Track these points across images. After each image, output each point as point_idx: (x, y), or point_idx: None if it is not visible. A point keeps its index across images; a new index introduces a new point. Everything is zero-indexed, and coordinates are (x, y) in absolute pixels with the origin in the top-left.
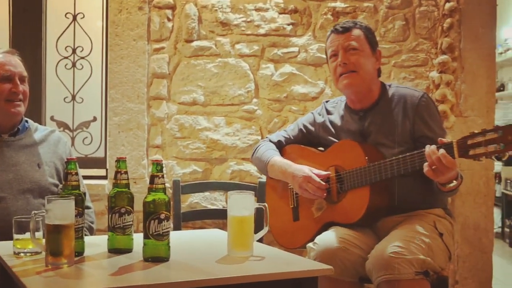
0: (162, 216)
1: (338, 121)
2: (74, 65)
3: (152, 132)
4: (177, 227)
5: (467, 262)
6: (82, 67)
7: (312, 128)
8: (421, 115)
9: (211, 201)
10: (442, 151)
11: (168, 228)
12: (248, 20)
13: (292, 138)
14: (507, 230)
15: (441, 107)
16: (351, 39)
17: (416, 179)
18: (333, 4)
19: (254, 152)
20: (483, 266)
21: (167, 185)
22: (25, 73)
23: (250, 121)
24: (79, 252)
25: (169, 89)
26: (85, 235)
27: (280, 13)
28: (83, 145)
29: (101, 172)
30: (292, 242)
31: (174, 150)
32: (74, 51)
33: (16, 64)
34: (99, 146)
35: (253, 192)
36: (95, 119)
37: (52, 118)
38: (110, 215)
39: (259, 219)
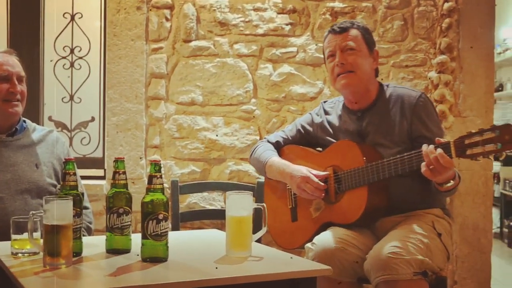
0: (160, 216)
1: (336, 122)
2: (72, 65)
3: (150, 132)
4: (175, 228)
5: (466, 262)
6: (80, 67)
7: (310, 129)
8: (418, 115)
9: (210, 201)
10: (439, 150)
11: (166, 228)
12: (247, 20)
13: (290, 138)
14: (505, 230)
15: (439, 107)
16: (348, 39)
17: (414, 179)
18: (331, 4)
19: (252, 153)
20: (481, 267)
21: (165, 185)
22: (23, 73)
23: (249, 121)
24: (77, 253)
25: (167, 89)
26: (83, 235)
27: (278, 13)
28: (81, 145)
29: (99, 172)
30: (290, 242)
31: (172, 150)
32: (72, 51)
33: (14, 64)
34: (97, 146)
35: (252, 193)
36: (93, 119)
37: (50, 118)
38: (108, 216)
39: (257, 220)
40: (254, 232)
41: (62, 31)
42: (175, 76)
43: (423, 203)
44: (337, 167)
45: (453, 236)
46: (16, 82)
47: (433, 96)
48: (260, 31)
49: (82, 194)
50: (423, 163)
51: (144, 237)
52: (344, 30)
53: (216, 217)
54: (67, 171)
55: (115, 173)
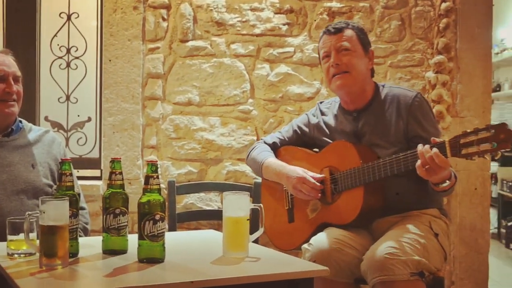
0: (157, 217)
1: (332, 122)
2: (68, 65)
3: (147, 133)
4: (172, 228)
5: (463, 263)
6: (77, 67)
7: (307, 129)
8: (414, 115)
9: (206, 202)
10: (435, 150)
11: (163, 229)
12: (244, 20)
13: (286, 139)
14: (503, 230)
15: (437, 108)
16: (343, 40)
17: (411, 180)
18: (328, 4)
19: (248, 154)
20: (479, 267)
21: (162, 185)
22: (19, 73)
23: (246, 122)
24: (74, 253)
25: (164, 89)
26: (80, 236)
27: (275, 13)
28: (78, 146)
29: (96, 172)
30: (287, 243)
31: (169, 151)
32: (68, 51)
33: (10, 64)
34: (94, 147)
35: (249, 193)
36: (89, 119)
37: (46, 119)
38: (104, 216)
39: (254, 220)
40: (251, 233)
41: (59, 31)
42: (172, 76)
43: (419, 203)
44: (334, 168)
45: (450, 237)
46: (12, 82)
47: (431, 96)
48: (257, 31)
49: (79, 194)
50: (418, 162)
51: (140, 237)
52: (339, 30)
53: (213, 218)
54: (64, 172)
55: (111, 173)
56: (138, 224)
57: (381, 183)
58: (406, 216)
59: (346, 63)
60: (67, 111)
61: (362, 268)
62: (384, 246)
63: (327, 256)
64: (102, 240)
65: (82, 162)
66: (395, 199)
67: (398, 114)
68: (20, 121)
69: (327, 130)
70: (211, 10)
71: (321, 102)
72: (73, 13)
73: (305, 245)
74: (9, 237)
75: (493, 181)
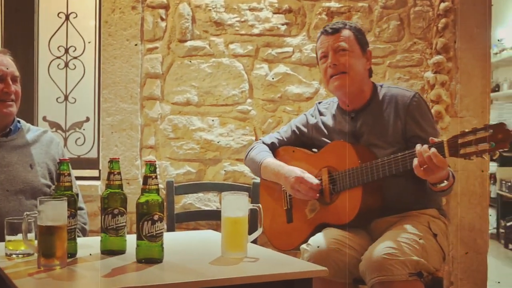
0: (156, 217)
1: (330, 122)
2: (66, 65)
3: (145, 133)
4: (170, 228)
5: (462, 263)
6: (75, 67)
7: (305, 130)
8: (412, 115)
9: (205, 202)
10: (433, 150)
11: (161, 229)
12: (242, 20)
13: (285, 139)
14: (502, 231)
15: (436, 108)
16: (341, 40)
17: (409, 180)
18: (327, 4)
19: (247, 154)
20: (478, 267)
21: (161, 186)
22: (17, 73)
23: (244, 122)
24: (72, 254)
25: (162, 89)
26: (78, 236)
27: (274, 13)
28: (76, 146)
29: (94, 173)
30: (286, 244)
31: (168, 151)
32: (66, 51)
33: (8, 64)
34: (92, 147)
35: (247, 193)
36: (88, 119)
37: (44, 119)
38: (103, 216)
39: (253, 220)
40: (250, 233)
41: (57, 31)
42: (170, 76)
43: (418, 204)
44: (332, 168)
45: (449, 237)
46: (11, 82)
47: (429, 96)
48: (255, 31)
49: (77, 194)
50: (415, 161)
51: (139, 238)
52: (336, 31)
53: (211, 218)
54: (62, 172)
55: (110, 173)
56: (137, 225)
57: (379, 183)
58: (405, 216)
59: (343, 63)
60: (66, 111)
61: (361, 268)
62: (382, 247)
63: (326, 256)
64: (101, 241)
65: (81, 162)
66: (394, 199)
67: (396, 114)
68: (19, 121)
69: (325, 131)
70: (210, 10)
71: (319, 103)
72: (71, 13)
73: (304, 245)
74: (7, 238)
75: (492, 181)
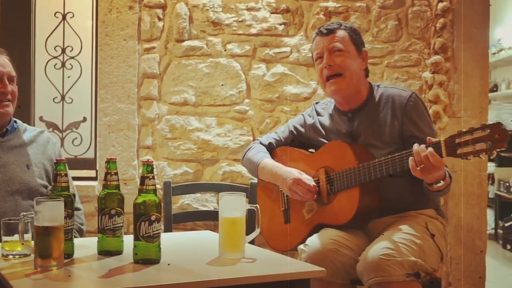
0: (153, 217)
1: (327, 123)
2: (63, 65)
3: (142, 133)
4: (168, 229)
5: (460, 263)
6: (72, 67)
7: (303, 130)
8: (409, 115)
9: (202, 203)
10: (430, 149)
11: (158, 229)
12: (240, 19)
13: (282, 140)
14: (500, 231)
15: (434, 108)
16: (336, 41)
17: (407, 180)
18: (325, 4)
19: (244, 155)
20: (476, 268)
21: (158, 186)
22: (13, 73)
23: (242, 122)
24: (69, 254)
25: (159, 89)
26: (75, 237)
27: (272, 13)
28: (73, 146)
29: (91, 173)
30: (283, 244)
31: (165, 151)
32: (63, 50)
33: (5, 64)
34: (89, 147)
35: (245, 194)
36: (84, 119)
37: (41, 119)
38: (100, 217)
39: (250, 221)
40: (247, 233)
41: (54, 30)
42: (167, 76)
43: (416, 204)
44: (329, 168)
45: (447, 237)
46: (7, 82)
47: (427, 96)
48: (253, 31)
49: (74, 195)
50: (411, 160)
51: (136, 238)
52: (331, 31)
53: (209, 219)
54: (59, 172)
55: (107, 174)
56: (134, 225)
57: (377, 184)
58: (402, 217)
59: (339, 64)
60: (62, 111)
61: (358, 269)
62: (379, 247)
63: (323, 257)
64: (98, 241)
65: (77, 163)
66: (392, 200)
67: (393, 114)
68: (15, 121)
69: (322, 131)
70: (207, 9)
71: (316, 103)
72: (68, 12)
73: (301, 246)
74: (4, 238)
75: (490, 182)
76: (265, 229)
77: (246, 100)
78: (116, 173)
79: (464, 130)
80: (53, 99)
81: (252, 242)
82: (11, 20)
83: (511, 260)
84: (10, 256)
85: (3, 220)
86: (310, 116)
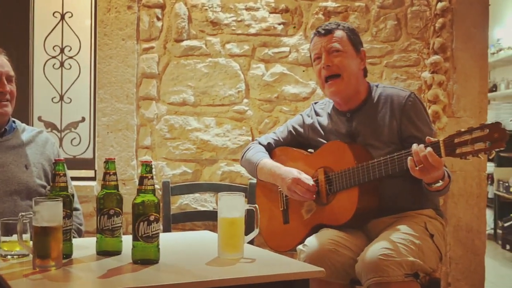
0: (152, 217)
1: (326, 123)
2: (62, 64)
3: (141, 133)
4: (166, 229)
5: (460, 264)
6: (70, 66)
7: (301, 130)
8: (408, 115)
9: (201, 203)
10: (429, 149)
11: (157, 230)
12: (239, 19)
13: (281, 140)
14: (499, 231)
15: (433, 108)
16: (334, 41)
17: (406, 180)
18: (324, 4)
19: (243, 155)
20: (475, 268)
21: (157, 186)
22: (12, 73)
23: (241, 122)
24: (67, 255)
25: (158, 89)
26: (73, 237)
27: (271, 13)
28: (71, 146)
29: (90, 173)
30: (282, 245)
31: (164, 151)
32: (62, 50)
33: (3, 64)
34: (88, 147)
35: (244, 194)
36: (83, 119)
37: (39, 119)
38: (98, 217)
39: (249, 221)
40: (246, 233)
41: (52, 30)
42: (166, 76)
43: (415, 204)
44: (328, 168)
45: (446, 237)
46: (5, 82)
47: (427, 96)
48: (252, 30)
49: (72, 195)
50: (410, 160)
51: (135, 238)
52: (329, 32)
53: (208, 219)
54: (57, 172)
55: (105, 174)
56: (133, 225)
57: (376, 184)
58: (402, 217)
59: (337, 64)
60: (61, 111)
61: (357, 269)
62: (378, 247)
63: (322, 257)
64: (96, 241)
65: (76, 163)
66: (391, 200)
67: (391, 114)
68: (14, 121)
69: (321, 131)
70: (206, 9)
71: (315, 103)
72: (66, 12)
73: (300, 246)
74: (2, 238)
75: (489, 182)
76: (264, 230)
77: (245, 100)
78: (114, 173)
79: (463, 129)
80: (52, 99)
81: (251, 242)
82: (10, 19)
83: (510, 260)
84: (9, 256)
85: (1, 220)
86: (309, 116)
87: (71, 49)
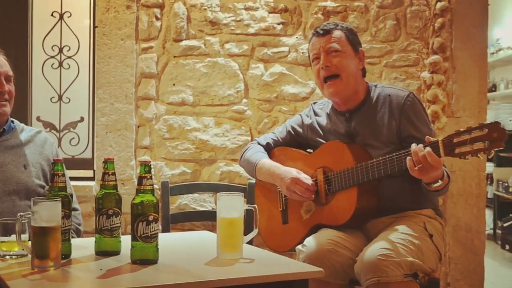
0: (151, 218)
1: (325, 123)
2: (61, 64)
3: (140, 133)
4: (165, 229)
5: (459, 264)
6: (69, 66)
7: (300, 130)
8: (407, 115)
9: (200, 203)
10: (428, 149)
11: (156, 230)
12: (238, 19)
13: (280, 140)
14: (499, 231)
15: (432, 108)
16: (332, 41)
17: (405, 180)
18: (323, 4)
19: (242, 155)
20: (475, 268)
21: (156, 186)
22: (10, 73)
23: (240, 122)
24: (66, 255)
25: (157, 89)
26: (72, 237)
27: (270, 12)
28: (70, 146)
29: (89, 173)
30: (281, 245)
31: (163, 151)
32: (61, 50)
33: (2, 64)
34: (86, 147)
35: (243, 194)
36: (82, 119)
37: (38, 119)
38: (97, 217)
39: (248, 221)
40: (245, 234)
41: (51, 30)
42: (165, 76)
43: (414, 204)
44: (327, 168)
45: (446, 237)
46: (4, 82)
47: (426, 96)
48: (251, 30)
49: (71, 195)
50: (409, 160)
51: (134, 239)
52: (327, 32)
53: (207, 219)
54: (56, 172)
55: (104, 174)
56: (131, 225)
57: (375, 184)
58: (401, 217)
59: (336, 64)
60: (60, 111)
61: (356, 269)
62: (377, 247)
63: (321, 257)
64: (95, 242)
65: (75, 163)
66: (390, 200)
67: (390, 114)
68: (12, 121)
69: (320, 131)
70: (205, 9)
71: (314, 103)
72: (65, 12)
73: (299, 246)
74: (1, 238)
75: (488, 182)
76: (263, 230)
77: (244, 100)
78: (113, 173)
79: (462, 129)
80: (51, 99)
81: (250, 242)
82: (8, 19)
83: (509, 261)
84: (7, 257)
85: (0, 220)
86: (307, 116)
87: (69, 49)
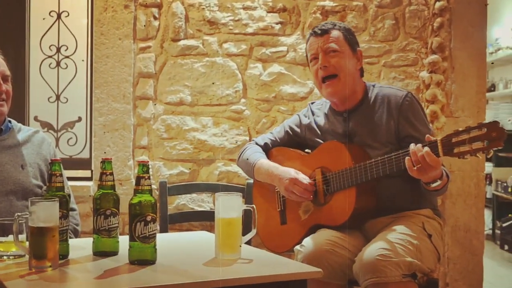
0: (148, 218)
1: (323, 123)
2: (58, 64)
3: (138, 133)
4: (163, 230)
5: (458, 264)
6: (67, 66)
7: (298, 130)
8: (405, 115)
9: (198, 203)
10: (426, 149)
11: (154, 230)
12: (236, 19)
13: (278, 140)
14: (498, 232)
15: (431, 108)
16: (330, 41)
17: (404, 180)
18: (322, 3)
19: (240, 155)
20: (473, 268)
21: (154, 186)
22: (8, 72)
23: (238, 122)
24: (64, 255)
25: (155, 89)
26: (70, 237)
27: (268, 12)
28: (68, 146)
29: (86, 173)
30: (280, 245)
31: (161, 151)
32: (58, 50)
33: None
34: (84, 147)
35: (241, 194)
36: (80, 119)
37: (35, 119)
38: (95, 217)
39: (247, 221)
40: (244, 234)
41: (48, 29)
42: (163, 76)
43: (412, 204)
44: (326, 169)
45: (444, 237)
46: (1, 82)
47: (425, 96)
48: (249, 30)
49: (69, 195)
50: (407, 159)
51: (131, 239)
52: (325, 32)
53: (205, 219)
54: (53, 172)
55: (102, 174)
56: (129, 226)
57: (373, 184)
58: (399, 217)
59: (334, 64)
60: (57, 111)
61: (354, 270)
62: (375, 248)
63: (319, 258)
64: (93, 242)
65: (72, 163)
66: (388, 200)
67: (388, 114)
68: (9, 121)
69: (318, 131)
70: (203, 8)
71: (312, 103)
72: (63, 11)
73: (297, 247)
74: None
75: (487, 182)
76: (261, 230)
77: (243, 100)
78: (111, 173)
79: (460, 129)
80: (48, 99)
81: (248, 242)
82: (6, 19)
83: (508, 261)
84: (5, 257)
85: None
86: (305, 116)
87: (67, 48)
